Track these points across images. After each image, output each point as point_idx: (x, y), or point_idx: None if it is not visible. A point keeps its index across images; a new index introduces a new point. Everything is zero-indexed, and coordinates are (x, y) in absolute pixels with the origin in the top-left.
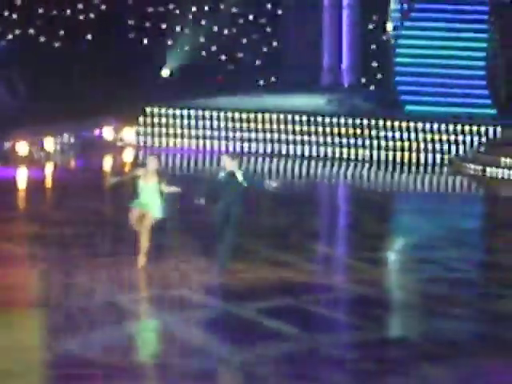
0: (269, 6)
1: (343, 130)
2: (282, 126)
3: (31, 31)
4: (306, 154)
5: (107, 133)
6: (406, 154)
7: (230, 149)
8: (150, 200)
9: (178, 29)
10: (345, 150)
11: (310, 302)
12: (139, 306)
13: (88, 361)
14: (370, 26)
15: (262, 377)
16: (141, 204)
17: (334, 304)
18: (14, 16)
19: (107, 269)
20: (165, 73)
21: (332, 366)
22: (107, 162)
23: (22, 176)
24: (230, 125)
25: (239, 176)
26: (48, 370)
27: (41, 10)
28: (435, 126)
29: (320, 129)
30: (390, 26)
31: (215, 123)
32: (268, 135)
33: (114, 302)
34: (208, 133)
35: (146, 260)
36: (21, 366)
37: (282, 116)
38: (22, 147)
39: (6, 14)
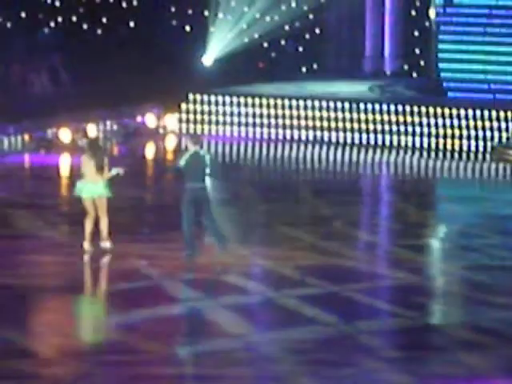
0: None
1: (385, 117)
2: (324, 113)
3: (74, 18)
4: (349, 141)
5: (149, 120)
6: (449, 140)
7: (272, 136)
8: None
9: (220, 15)
10: (387, 137)
11: (352, 289)
12: (183, 291)
13: (128, 346)
14: (413, 13)
15: (299, 363)
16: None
17: (376, 291)
18: (57, 3)
19: (152, 254)
20: (207, 60)
21: (370, 353)
22: (149, 149)
23: (64, 163)
24: (271, 112)
25: (206, 158)
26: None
27: None
28: (478, 112)
29: (362, 116)
30: (432, 13)
31: (257, 110)
32: (310, 122)
33: (160, 285)
34: (250, 120)
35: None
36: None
37: (323, 103)
38: (65, 134)
39: (49, 1)
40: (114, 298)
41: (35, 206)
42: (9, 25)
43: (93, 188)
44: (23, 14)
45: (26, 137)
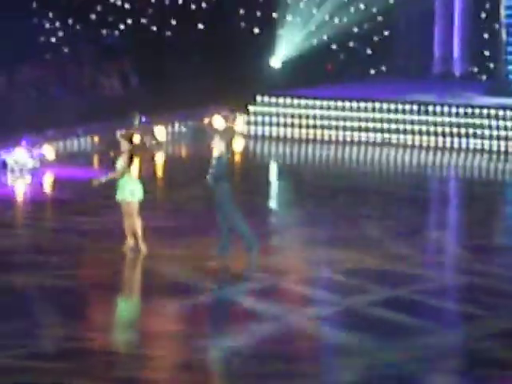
0: None
1: (454, 120)
2: (393, 116)
3: (143, 21)
4: (417, 143)
5: (217, 122)
6: None
7: (340, 138)
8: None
9: (289, 18)
10: (456, 140)
11: (420, 292)
12: (257, 302)
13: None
14: (483, 15)
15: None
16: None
17: (445, 293)
18: (127, 6)
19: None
20: (275, 62)
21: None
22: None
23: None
24: (339, 114)
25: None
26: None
27: (153, 0)
28: None
29: (431, 118)
30: (502, 15)
31: (325, 112)
32: (378, 124)
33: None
34: (318, 122)
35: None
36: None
37: (392, 105)
38: (134, 137)
39: (119, 3)
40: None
41: (102, 205)
42: (78, 27)
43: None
44: (93, 17)
45: (96, 138)
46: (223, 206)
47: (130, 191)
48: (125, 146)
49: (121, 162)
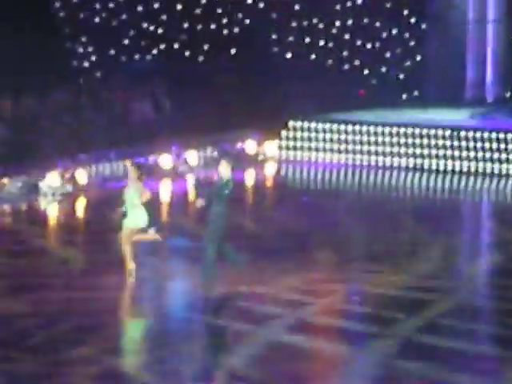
0: (413, 20)
1: (487, 145)
2: (426, 141)
3: (176, 45)
4: (450, 168)
5: (249, 146)
6: None
7: (372, 163)
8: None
9: (321, 43)
10: (488, 165)
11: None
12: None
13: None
14: None
15: None
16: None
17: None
18: (160, 31)
19: (262, 280)
20: (307, 86)
21: None
22: (249, 176)
23: (165, 189)
24: (371, 139)
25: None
26: None
27: (186, 25)
28: None
29: (464, 143)
30: None
31: (357, 137)
32: (411, 150)
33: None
34: (350, 147)
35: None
36: None
37: (424, 130)
38: (166, 160)
39: (152, 28)
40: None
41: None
42: (112, 52)
43: None
44: (126, 41)
45: (128, 163)
46: (210, 225)
47: (138, 218)
48: (134, 173)
49: (129, 191)
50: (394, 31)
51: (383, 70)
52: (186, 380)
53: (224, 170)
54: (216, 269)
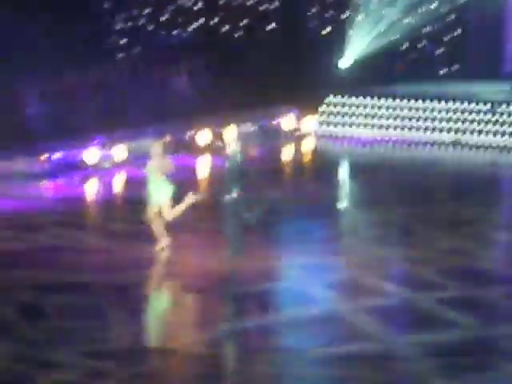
0: None
1: None
2: (465, 115)
3: (214, 21)
4: (488, 143)
5: (287, 122)
6: None
7: (410, 138)
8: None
9: (359, 18)
10: None
11: (491, 291)
12: (319, 292)
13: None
14: None
15: (437, 366)
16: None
17: None
18: (197, 6)
19: (292, 255)
20: (346, 62)
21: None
22: (287, 152)
23: (202, 165)
24: (410, 113)
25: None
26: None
27: (223, 0)
28: None
29: (503, 117)
30: None
31: (396, 112)
32: (449, 124)
33: (297, 287)
34: (388, 122)
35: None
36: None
37: (464, 105)
38: (204, 136)
39: (190, 4)
40: (250, 300)
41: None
42: (150, 27)
43: None
44: (164, 17)
45: (167, 138)
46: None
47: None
48: (158, 149)
49: (153, 166)
50: (433, 5)
51: (422, 44)
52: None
53: (230, 144)
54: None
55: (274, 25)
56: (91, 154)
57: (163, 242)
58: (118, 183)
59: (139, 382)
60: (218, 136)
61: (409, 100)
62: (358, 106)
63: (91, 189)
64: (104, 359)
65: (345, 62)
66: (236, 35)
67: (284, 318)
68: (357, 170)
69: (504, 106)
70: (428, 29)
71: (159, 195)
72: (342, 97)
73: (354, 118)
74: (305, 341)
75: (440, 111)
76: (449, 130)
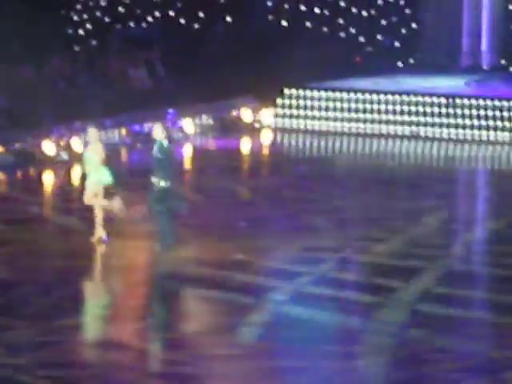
0: None
1: (482, 112)
2: (421, 108)
3: (171, 13)
4: (445, 136)
5: (245, 114)
6: None
7: (368, 131)
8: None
9: (316, 10)
10: (484, 133)
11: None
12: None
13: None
14: (511, 7)
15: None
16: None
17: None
18: None
19: (260, 250)
20: (302, 54)
21: None
22: (245, 144)
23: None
24: (367, 107)
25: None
26: None
27: None
28: None
29: (459, 111)
30: None
31: (353, 105)
32: (405, 117)
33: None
34: (345, 115)
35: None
36: None
37: (420, 98)
38: (159, 129)
39: None
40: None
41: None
42: (106, 19)
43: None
44: (120, 9)
45: (123, 131)
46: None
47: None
48: (94, 135)
49: (89, 152)
50: None
51: (379, 37)
52: (176, 346)
53: (156, 133)
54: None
55: (231, 17)
56: (48, 147)
57: (100, 232)
58: (75, 175)
59: None
60: (177, 127)
61: (365, 93)
62: (315, 99)
63: (48, 181)
64: None
65: (303, 55)
66: (194, 27)
67: None
68: (312, 163)
69: (459, 99)
70: (385, 22)
71: (97, 180)
72: (299, 89)
73: (311, 110)
74: None
75: (396, 104)
76: (405, 123)
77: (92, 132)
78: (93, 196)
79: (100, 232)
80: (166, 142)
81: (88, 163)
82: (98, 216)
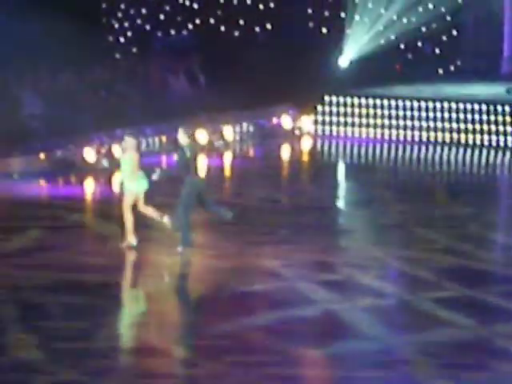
0: None
1: None
2: (461, 115)
3: (212, 21)
4: (486, 143)
5: (285, 121)
6: None
7: (408, 138)
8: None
9: (357, 17)
10: None
11: (488, 292)
12: (315, 291)
13: (261, 346)
14: None
15: (435, 366)
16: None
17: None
18: (195, 5)
19: (286, 255)
20: (343, 61)
21: (508, 357)
22: (285, 151)
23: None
24: (407, 113)
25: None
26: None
27: (221, 0)
28: None
29: (500, 118)
30: None
31: (393, 112)
32: (446, 124)
33: (294, 286)
34: (386, 122)
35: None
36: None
37: (460, 105)
38: (202, 136)
39: (188, 3)
40: (247, 299)
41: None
42: (148, 27)
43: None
44: (162, 16)
45: (163, 138)
46: (181, 197)
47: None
48: (131, 143)
49: (125, 159)
50: (430, 5)
51: (419, 44)
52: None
53: (181, 138)
54: (190, 237)
55: (272, 24)
56: (88, 154)
57: (130, 238)
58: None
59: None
60: (217, 135)
61: (405, 100)
62: (355, 106)
63: (89, 188)
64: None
65: (344, 62)
66: (234, 34)
67: (279, 316)
68: (353, 170)
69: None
70: (425, 29)
71: (134, 188)
72: (340, 96)
73: (351, 117)
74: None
75: (436, 111)
76: (445, 130)
77: (128, 140)
78: (132, 203)
79: (130, 238)
80: (190, 148)
81: (123, 171)
82: (128, 222)
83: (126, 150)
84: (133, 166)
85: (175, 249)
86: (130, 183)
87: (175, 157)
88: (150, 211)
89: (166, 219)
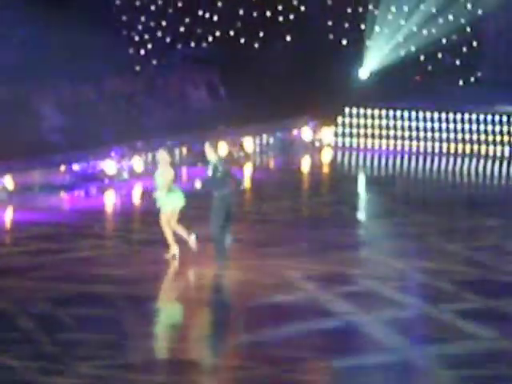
0: (469, 5)
1: None
2: (482, 127)
3: (231, 33)
4: (507, 154)
5: (305, 133)
6: None
7: (429, 149)
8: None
9: (377, 29)
10: None
11: (510, 304)
12: (335, 303)
13: (281, 357)
14: None
15: (455, 378)
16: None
17: None
18: (215, 18)
19: (307, 267)
20: (363, 73)
21: None
22: (305, 163)
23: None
24: (428, 125)
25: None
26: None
27: (241, 12)
28: None
29: None
30: None
31: (413, 123)
32: (467, 136)
33: (314, 298)
34: (407, 133)
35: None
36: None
37: (481, 116)
38: (222, 147)
39: (207, 16)
40: (270, 311)
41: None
42: (168, 39)
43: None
44: (182, 29)
45: (184, 150)
46: (211, 213)
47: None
48: (166, 157)
49: (160, 174)
50: (450, 16)
51: (439, 55)
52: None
53: (208, 153)
54: (225, 250)
55: (292, 36)
56: (109, 166)
57: (174, 249)
58: (136, 194)
59: None
60: (237, 147)
61: (425, 111)
62: (376, 118)
63: (110, 200)
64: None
65: (364, 73)
66: (254, 46)
67: (299, 328)
68: (374, 182)
69: None
70: (445, 40)
71: (170, 202)
72: (360, 108)
73: (372, 129)
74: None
75: (456, 122)
76: (466, 142)
77: (162, 155)
78: (167, 219)
79: (173, 249)
80: (220, 163)
81: (159, 186)
82: (168, 233)
83: (159, 164)
84: (168, 182)
85: (200, 260)
86: (167, 199)
87: (208, 171)
88: (180, 229)
89: (192, 239)
